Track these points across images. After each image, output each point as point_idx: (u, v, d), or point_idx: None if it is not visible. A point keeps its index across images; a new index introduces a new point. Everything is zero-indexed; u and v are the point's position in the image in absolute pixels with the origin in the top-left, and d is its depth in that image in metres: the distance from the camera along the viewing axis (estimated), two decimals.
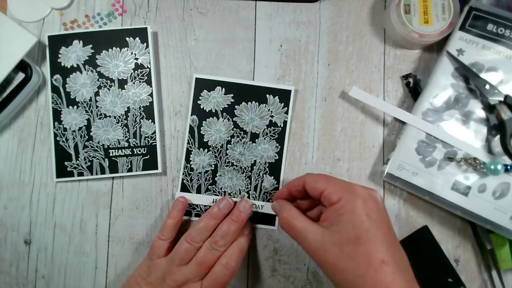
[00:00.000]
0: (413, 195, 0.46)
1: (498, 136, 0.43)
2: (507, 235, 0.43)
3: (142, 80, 0.47)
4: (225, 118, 0.47)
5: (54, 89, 0.47)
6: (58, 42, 0.47)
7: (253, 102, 0.47)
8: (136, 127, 0.47)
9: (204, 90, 0.47)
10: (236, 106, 0.47)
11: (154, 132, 0.47)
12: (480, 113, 0.44)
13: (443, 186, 0.43)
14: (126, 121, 0.47)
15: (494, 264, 0.45)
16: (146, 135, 0.47)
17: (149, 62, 0.47)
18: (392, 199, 0.47)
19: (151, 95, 0.47)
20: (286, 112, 0.47)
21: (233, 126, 0.47)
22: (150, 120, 0.47)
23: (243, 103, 0.47)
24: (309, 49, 0.49)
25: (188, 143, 0.47)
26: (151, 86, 0.47)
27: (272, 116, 0.47)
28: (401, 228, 0.47)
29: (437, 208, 0.47)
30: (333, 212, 0.34)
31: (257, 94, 0.47)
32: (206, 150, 0.47)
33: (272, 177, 0.47)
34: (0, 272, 0.47)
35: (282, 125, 0.47)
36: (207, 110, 0.47)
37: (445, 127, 0.44)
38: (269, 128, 0.47)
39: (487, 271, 0.46)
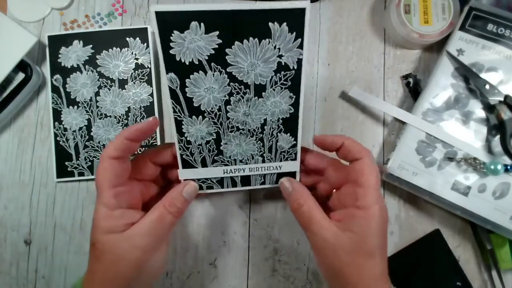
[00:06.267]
0: (413, 195, 0.46)
1: (498, 136, 0.43)
2: (507, 235, 0.43)
3: (142, 80, 0.47)
4: (215, 71, 0.33)
5: (54, 89, 0.47)
6: (58, 42, 0.47)
7: (251, 39, 0.31)
8: None
9: (175, 31, 0.30)
10: (227, 50, 0.32)
11: (155, 132, 0.47)
12: (480, 113, 0.44)
13: (443, 186, 0.43)
14: (126, 121, 0.47)
15: (494, 264, 0.45)
16: None
17: (150, 62, 0.47)
18: (392, 199, 0.47)
19: (151, 95, 0.47)
20: (300, 46, 0.32)
21: (228, 80, 0.33)
22: None
23: (237, 42, 0.31)
24: (309, 49, 0.49)
25: (174, 111, 0.34)
26: (151, 86, 0.47)
27: (280, 56, 0.32)
28: (401, 228, 0.47)
29: (437, 208, 0.47)
30: (350, 216, 0.33)
31: (256, 25, 0.31)
32: (200, 117, 0.35)
33: (289, 133, 0.37)
34: (0, 272, 0.47)
35: (295, 67, 0.33)
36: (187, 63, 0.32)
37: (445, 127, 0.44)
38: (278, 75, 0.33)
39: (487, 271, 0.46)
